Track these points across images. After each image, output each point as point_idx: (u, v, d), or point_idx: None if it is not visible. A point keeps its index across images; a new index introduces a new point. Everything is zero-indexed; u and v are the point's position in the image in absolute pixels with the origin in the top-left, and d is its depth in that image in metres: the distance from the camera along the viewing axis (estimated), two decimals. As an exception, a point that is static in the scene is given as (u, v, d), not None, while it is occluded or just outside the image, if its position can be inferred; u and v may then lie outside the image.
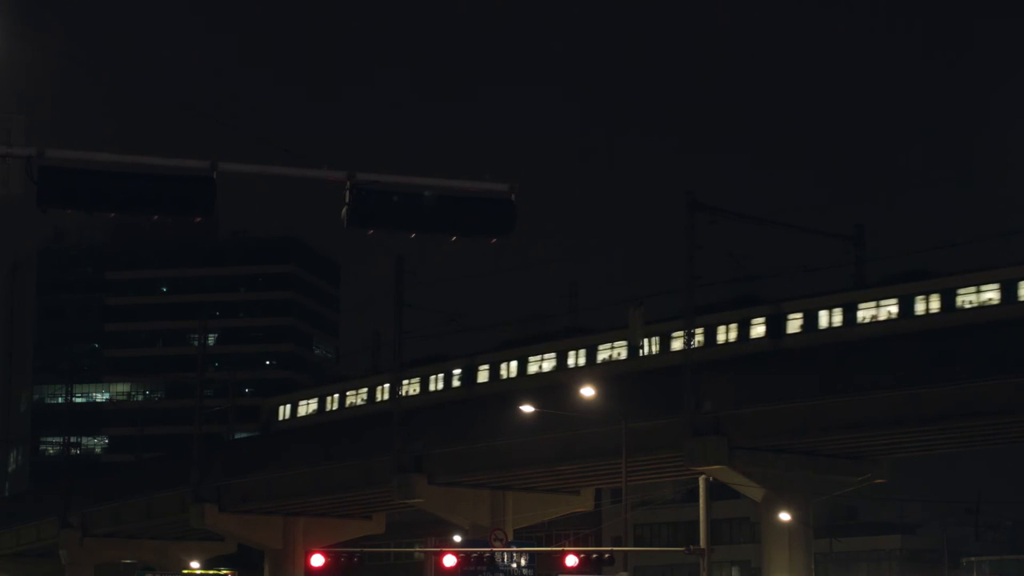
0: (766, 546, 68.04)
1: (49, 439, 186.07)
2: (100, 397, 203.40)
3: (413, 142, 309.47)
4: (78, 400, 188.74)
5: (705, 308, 69.23)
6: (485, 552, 58.84)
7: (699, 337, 69.07)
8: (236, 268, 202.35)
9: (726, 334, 71.22)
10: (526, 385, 77.54)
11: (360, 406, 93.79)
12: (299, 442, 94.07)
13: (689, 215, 64.97)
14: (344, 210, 27.14)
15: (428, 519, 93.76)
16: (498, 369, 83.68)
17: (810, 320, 67.99)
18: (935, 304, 63.92)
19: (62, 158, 26.06)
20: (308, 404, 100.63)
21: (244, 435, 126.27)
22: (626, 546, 67.61)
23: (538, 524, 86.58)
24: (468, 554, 58.58)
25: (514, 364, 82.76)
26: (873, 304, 66.44)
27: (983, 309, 62.50)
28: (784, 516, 66.11)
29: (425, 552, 73.75)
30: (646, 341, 72.55)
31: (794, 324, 68.72)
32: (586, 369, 75.70)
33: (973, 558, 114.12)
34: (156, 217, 27.80)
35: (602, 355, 77.16)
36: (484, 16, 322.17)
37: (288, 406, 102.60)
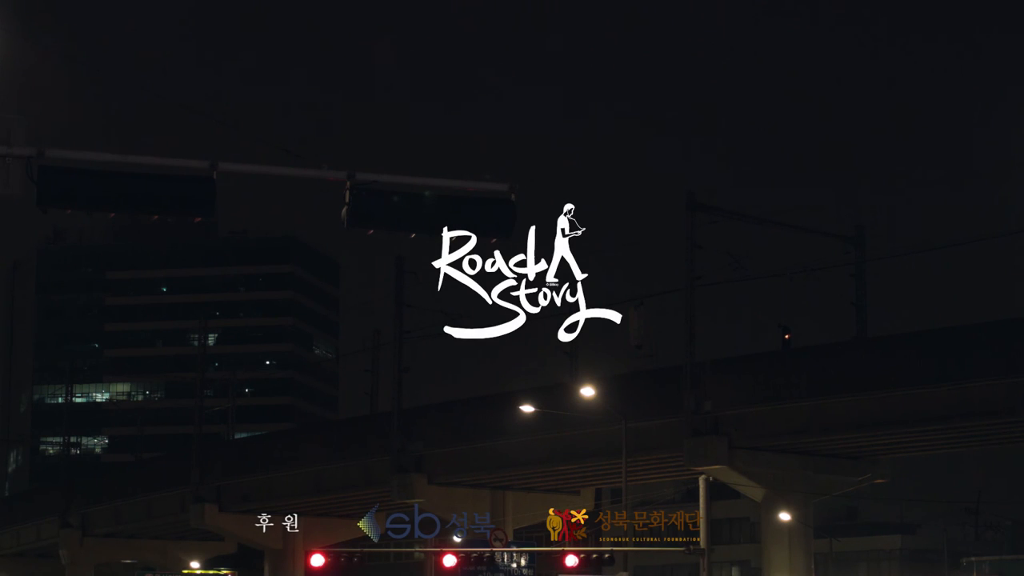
0: (766, 546, 67.98)
1: (49, 439, 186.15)
2: (100, 397, 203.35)
3: (413, 142, 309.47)
4: (78, 400, 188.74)
5: None
6: (485, 552, 58.89)
7: None
8: (236, 268, 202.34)
9: None
10: None
11: None
12: (299, 442, 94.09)
13: (689, 215, 64.92)
14: (344, 210, 27.19)
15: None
16: None
17: None
18: None
19: (62, 158, 26.09)
20: None
21: (244, 435, 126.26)
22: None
23: (538, 524, 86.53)
24: (468, 554, 58.61)
25: None
26: None
27: None
28: (784, 516, 66.08)
29: (425, 552, 73.69)
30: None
31: None
32: None
33: (973, 558, 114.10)
34: (156, 217, 27.84)
35: None
36: (484, 15, 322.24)
37: None
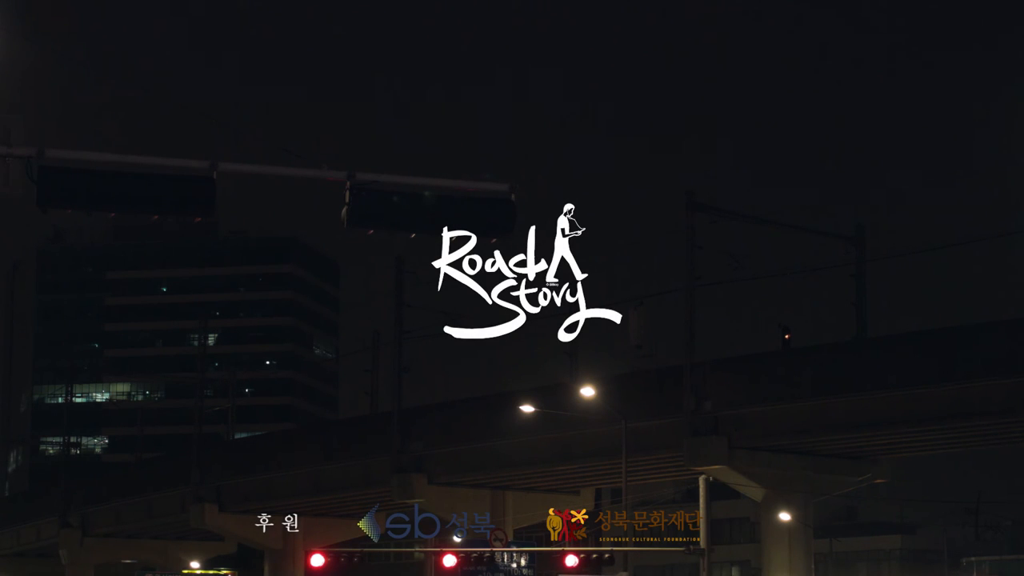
0: (766, 546, 67.96)
1: (49, 439, 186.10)
2: (100, 397, 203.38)
3: (413, 142, 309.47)
4: (78, 400, 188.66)
5: None
6: (485, 552, 58.87)
7: None
8: (236, 268, 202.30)
9: None
10: None
11: None
12: (299, 442, 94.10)
13: (689, 215, 64.91)
14: (344, 210, 27.18)
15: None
16: None
17: None
18: None
19: (62, 158, 26.08)
20: None
21: (244, 435, 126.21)
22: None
23: (538, 524, 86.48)
24: (468, 554, 58.59)
25: None
26: None
27: None
28: (784, 516, 66.05)
29: (425, 552, 73.67)
30: None
31: None
32: None
33: (973, 558, 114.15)
34: (156, 217, 27.84)
35: None
36: (483, 15, 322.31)
37: None
